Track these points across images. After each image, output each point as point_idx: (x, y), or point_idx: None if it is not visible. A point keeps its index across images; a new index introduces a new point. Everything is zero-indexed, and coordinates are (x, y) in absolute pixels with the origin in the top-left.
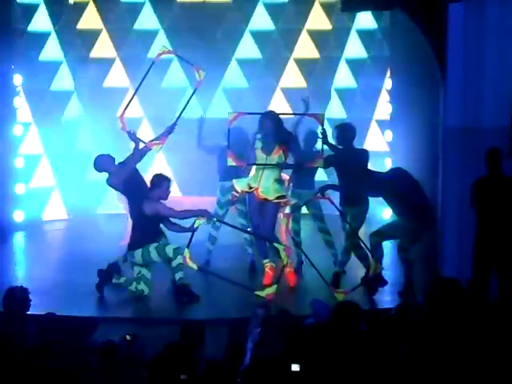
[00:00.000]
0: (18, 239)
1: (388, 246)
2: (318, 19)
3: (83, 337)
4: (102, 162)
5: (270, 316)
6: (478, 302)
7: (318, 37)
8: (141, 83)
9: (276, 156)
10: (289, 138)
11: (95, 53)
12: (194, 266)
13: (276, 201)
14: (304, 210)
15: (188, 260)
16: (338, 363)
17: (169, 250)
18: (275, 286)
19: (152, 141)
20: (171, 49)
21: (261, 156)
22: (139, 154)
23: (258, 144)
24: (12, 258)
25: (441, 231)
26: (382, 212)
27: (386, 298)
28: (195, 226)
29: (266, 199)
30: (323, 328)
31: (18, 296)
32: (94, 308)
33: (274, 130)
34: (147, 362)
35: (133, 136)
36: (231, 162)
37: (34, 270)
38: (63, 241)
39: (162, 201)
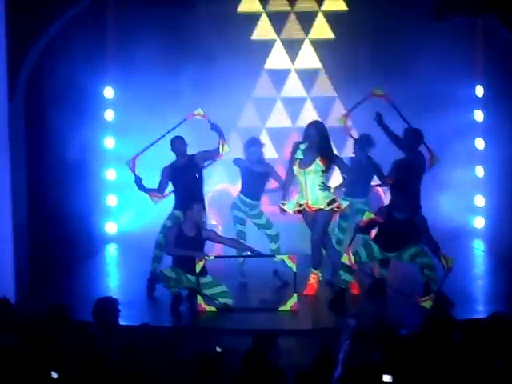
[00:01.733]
0: (110, 251)
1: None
2: None
3: (174, 347)
4: (178, 145)
5: (364, 326)
6: None
7: None
8: (166, 134)
9: (312, 167)
10: (332, 154)
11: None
12: (213, 309)
13: (328, 208)
14: None
15: (204, 305)
16: (432, 374)
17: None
18: (295, 295)
19: (153, 191)
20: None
21: (298, 170)
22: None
23: (300, 154)
24: (104, 270)
25: None
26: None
27: (480, 308)
28: (197, 270)
29: (319, 209)
30: (417, 338)
31: (108, 307)
32: (183, 319)
33: (318, 141)
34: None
35: (138, 180)
36: None
37: (126, 281)
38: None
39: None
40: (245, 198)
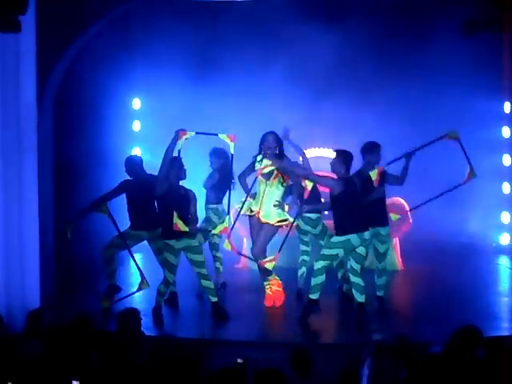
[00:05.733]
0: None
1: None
2: None
3: (198, 359)
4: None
5: (386, 342)
6: None
7: None
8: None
9: (276, 180)
10: (286, 166)
11: None
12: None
13: (277, 224)
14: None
15: (180, 226)
16: None
17: None
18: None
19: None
20: None
21: (260, 179)
22: None
23: (258, 166)
24: (128, 280)
25: None
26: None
27: (505, 325)
28: None
29: (267, 223)
30: (441, 355)
31: (131, 317)
32: (208, 331)
33: (273, 152)
34: None
35: None
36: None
37: (150, 291)
38: None
39: None
40: (221, 206)
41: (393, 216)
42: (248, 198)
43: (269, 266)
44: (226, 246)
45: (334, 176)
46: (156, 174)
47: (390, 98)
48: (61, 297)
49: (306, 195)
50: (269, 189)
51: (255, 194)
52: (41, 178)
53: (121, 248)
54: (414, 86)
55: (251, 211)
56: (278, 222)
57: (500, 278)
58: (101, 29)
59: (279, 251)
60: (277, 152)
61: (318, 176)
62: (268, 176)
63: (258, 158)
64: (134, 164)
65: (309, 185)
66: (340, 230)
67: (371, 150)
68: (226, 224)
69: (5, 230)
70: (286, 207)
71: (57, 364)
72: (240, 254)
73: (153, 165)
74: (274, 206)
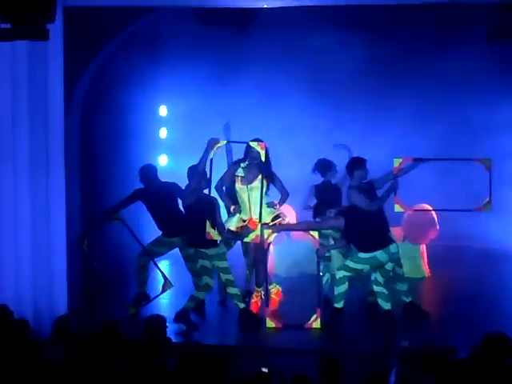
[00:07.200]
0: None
1: None
2: None
3: (225, 367)
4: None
5: (413, 349)
6: None
7: None
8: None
9: (256, 183)
10: (272, 172)
11: None
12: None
13: (272, 223)
14: None
15: (212, 234)
16: None
17: None
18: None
19: None
20: None
21: (240, 187)
22: None
23: (240, 172)
24: (156, 287)
25: None
26: None
27: None
28: None
29: (264, 223)
30: (470, 362)
31: (157, 324)
32: (235, 338)
33: (260, 159)
34: None
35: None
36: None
37: (177, 298)
38: None
39: None
40: None
41: (397, 207)
42: (232, 210)
43: (316, 324)
44: (269, 324)
45: None
46: (175, 181)
47: (412, 107)
48: (87, 303)
49: None
50: (251, 193)
51: (239, 206)
52: (68, 187)
53: (154, 255)
54: (438, 94)
55: (243, 221)
56: (273, 219)
57: None
58: (127, 37)
59: (319, 307)
60: (263, 160)
61: (320, 223)
62: (247, 181)
63: (243, 164)
64: (148, 173)
65: None
66: (364, 249)
67: (359, 165)
68: (257, 232)
69: (33, 235)
70: (278, 207)
71: (84, 371)
72: (285, 326)
73: (179, 172)
74: (268, 207)
